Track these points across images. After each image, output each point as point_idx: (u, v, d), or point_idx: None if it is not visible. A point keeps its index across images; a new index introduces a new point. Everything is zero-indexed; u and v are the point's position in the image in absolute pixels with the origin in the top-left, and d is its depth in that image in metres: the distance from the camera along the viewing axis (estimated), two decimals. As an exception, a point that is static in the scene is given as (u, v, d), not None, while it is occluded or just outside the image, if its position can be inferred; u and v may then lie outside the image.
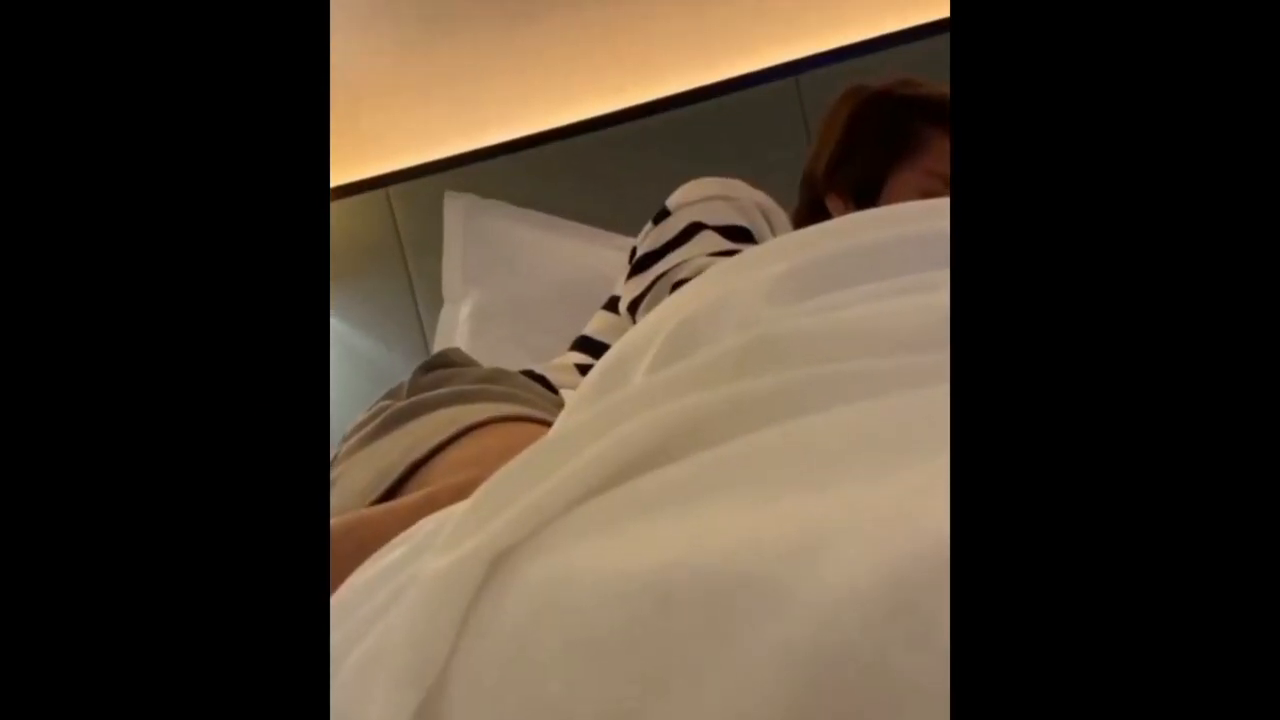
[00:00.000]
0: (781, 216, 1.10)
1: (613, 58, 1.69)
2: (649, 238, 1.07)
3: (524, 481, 0.29)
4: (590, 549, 0.24)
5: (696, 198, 1.07)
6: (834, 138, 1.14)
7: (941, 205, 0.57)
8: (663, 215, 1.08)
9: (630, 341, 0.53)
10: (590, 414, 0.32)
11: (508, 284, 1.45)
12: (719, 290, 0.51)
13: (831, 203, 1.15)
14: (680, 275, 0.97)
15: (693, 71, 1.70)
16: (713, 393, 0.28)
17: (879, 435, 0.24)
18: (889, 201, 1.11)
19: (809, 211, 1.19)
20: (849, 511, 0.20)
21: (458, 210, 1.52)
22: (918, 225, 0.52)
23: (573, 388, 1.00)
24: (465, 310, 1.45)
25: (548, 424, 0.77)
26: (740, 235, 1.03)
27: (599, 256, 1.45)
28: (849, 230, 0.54)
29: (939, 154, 1.09)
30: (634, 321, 1.05)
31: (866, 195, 1.11)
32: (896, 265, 0.48)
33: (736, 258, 0.58)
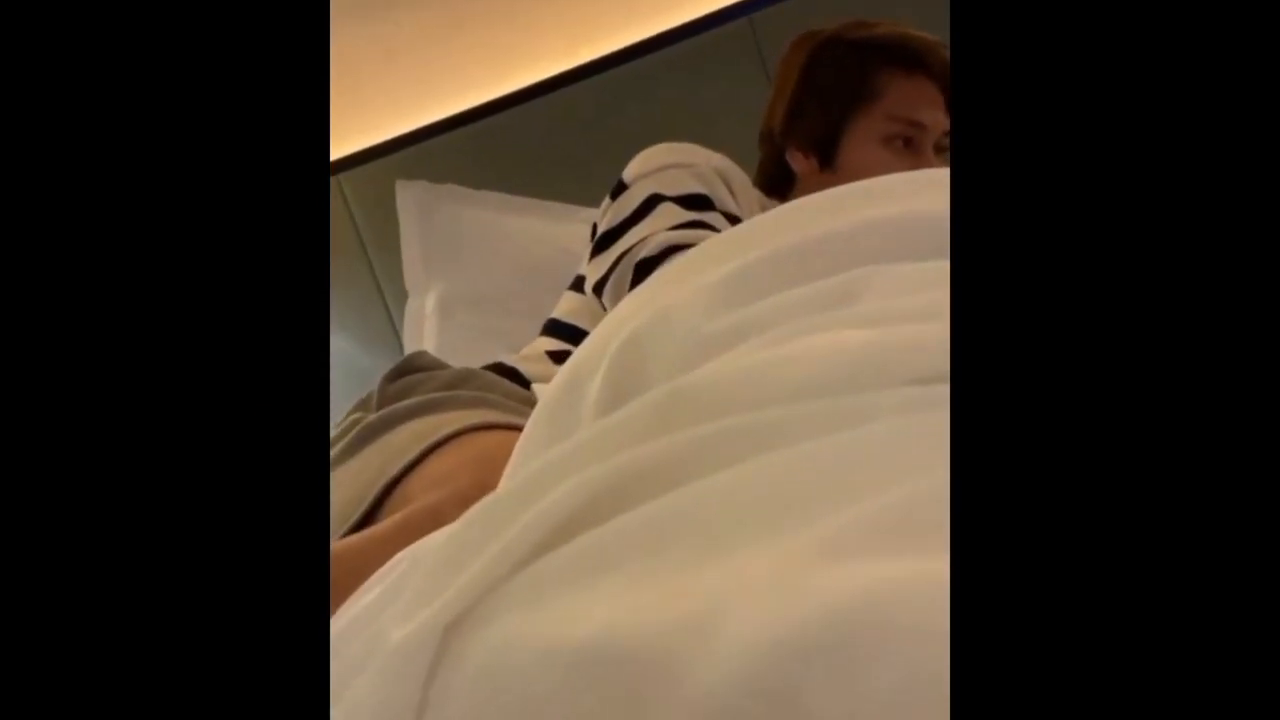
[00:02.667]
0: (740, 176, 1.13)
1: (556, 17, 1.70)
2: (608, 214, 1.10)
3: (471, 548, 0.33)
4: (521, 622, 0.28)
5: (653, 168, 1.10)
6: (788, 89, 1.17)
7: (877, 186, 0.61)
8: (620, 189, 1.11)
9: (583, 359, 0.57)
10: (530, 473, 0.36)
11: (470, 271, 1.47)
12: (661, 302, 0.55)
13: (792, 157, 1.18)
14: (642, 254, 1.00)
15: (642, 22, 1.71)
16: (631, 454, 0.32)
17: (775, 494, 0.28)
18: (850, 152, 1.14)
19: (771, 167, 1.22)
20: (738, 582, 0.24)
21: (410, 199, 1.54)
22: (852, 216, 0.55)
23: (546, 379, 1.04)
24: (430, 303, 1.49)
25: (517, 428, 0.81)
26: (700, 203, 1.06)
27: (562, 232, 1.47)
28: (786, 225, 0.57)
29: (896, 96, 1.12)
30: (600, 303, 1.08)
31: (826, 147, 1.14)
32: (829, 264, 0.52)
33: (680, 260, 0.61)
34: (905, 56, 1.11)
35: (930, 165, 1.13)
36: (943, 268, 0.47)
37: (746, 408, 0.32)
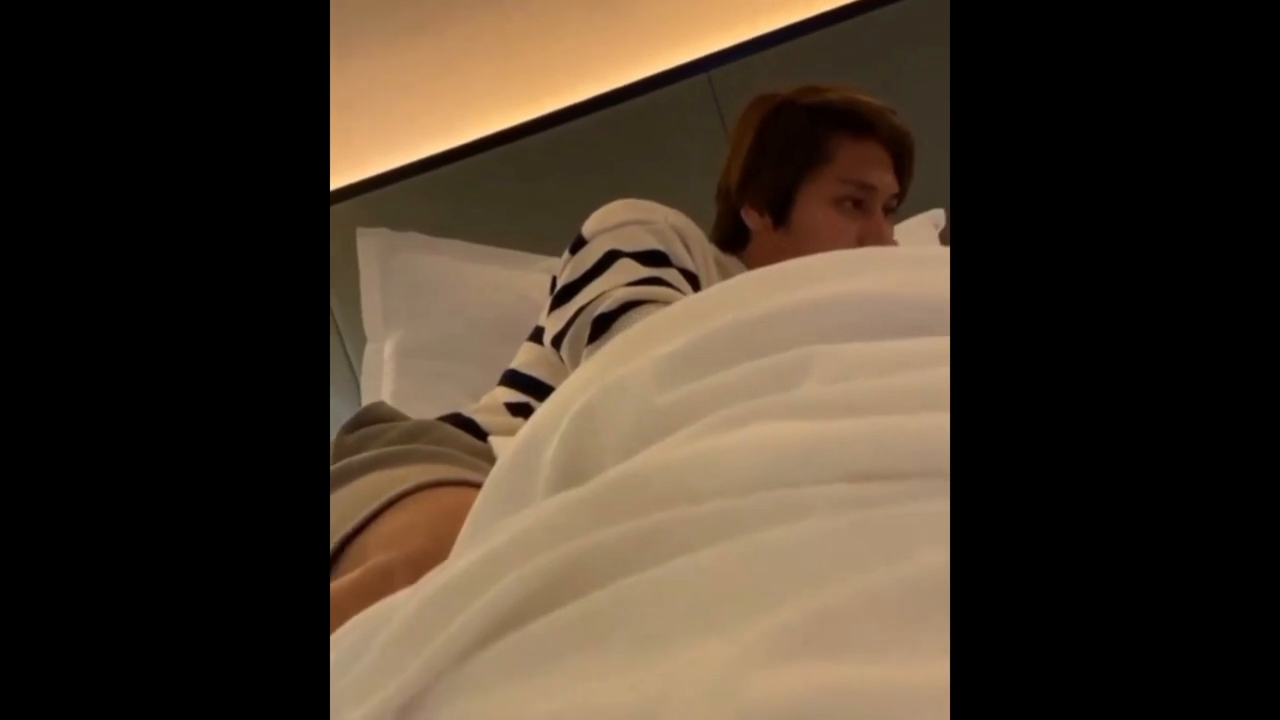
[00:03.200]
0: (695, 232, 1.15)
1: (517, 68, 1.73)
2: (567, 268, 1.11)
3: (423, 632, 0.35)
4: (471, 711, 0.30)
5: (612, 224, 1.12)
6: (743, 150, 1.20)
7: (829, 263, 0.63)
8: (579, 244, 1.12)
9: (538, 425, 0.58)
10: (481, 556, 0.37)
11: (430, 319, 1.48)
12: (615, 372, 0.56)
13: (747, 215, 1.21)
14: (600, 309, 1.02)
15: (604, 75, 1.74)
16: (577, 543, 0.33)
17: (714, 589, 0.29)
18: (802, 212, 1.16)
19: (727, 223, 1.25)
20: (680, 680, 0.26)
21: (371, 247, 1.55)
22: (801, 292, 0.57)
23: (504, 430, 1.05)
24: (389, 348, 1.49)
25: (474, 484, 0.82)
26: (657, 260, 1.08)
27: (522, 280, 1.49)
28: (737, 299, 0.59)
29: (847, 160, 1.15)
30: (559, 356, 1.10)
31: (780, 206, 1.17)
32: (776, 341, 0.53)
33: (635, 331, 0.63)
34: (855, 121, 1.15)
35: (879, 226, 1.16)
36: (888, 349, 0.49)
37: (687, 500, 0.34)
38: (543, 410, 0.60)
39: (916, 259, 0.61)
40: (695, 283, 1.09)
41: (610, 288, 1.04)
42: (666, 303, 1.00)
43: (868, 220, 1.16)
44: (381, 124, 1.71)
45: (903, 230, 1.70)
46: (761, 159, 1.18)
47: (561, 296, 1.10)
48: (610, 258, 1.08)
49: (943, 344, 0.49)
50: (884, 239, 1.16)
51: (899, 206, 1.23)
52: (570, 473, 0.51)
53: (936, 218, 2.04)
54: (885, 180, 1.16)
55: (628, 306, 1.00)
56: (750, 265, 1.22)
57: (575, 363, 1.04)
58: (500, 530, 0.41)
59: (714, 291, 0.64)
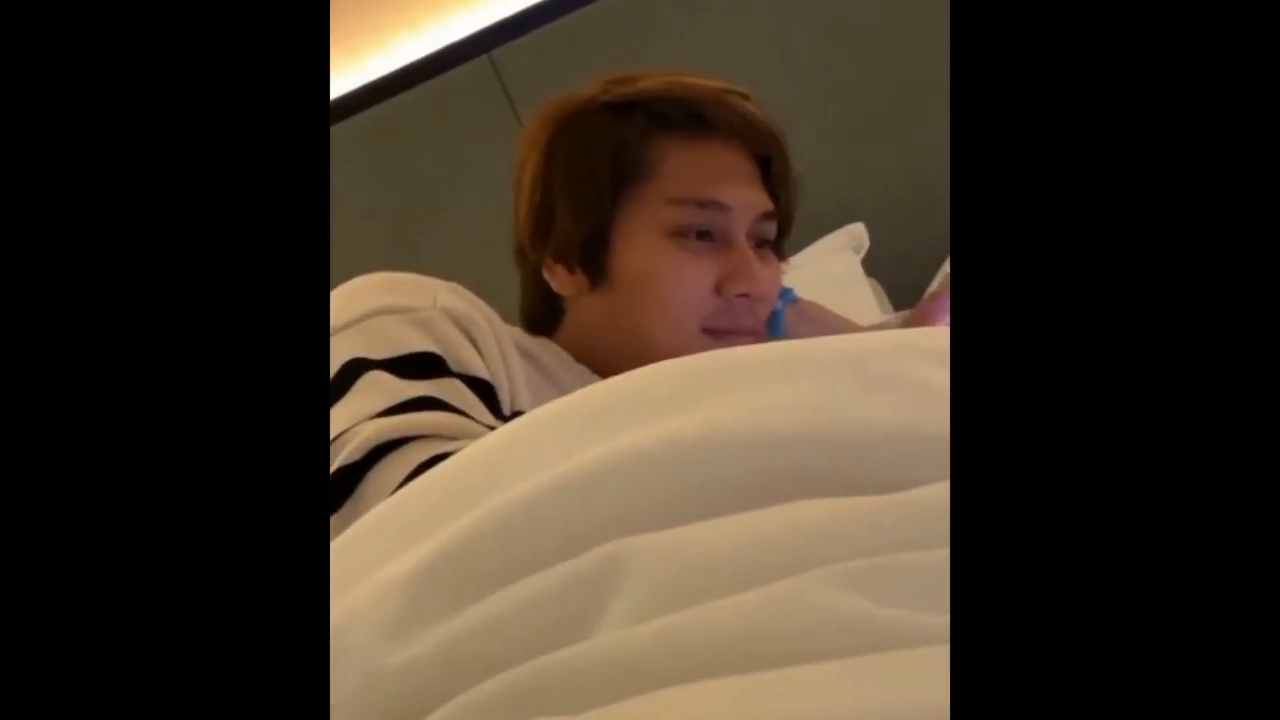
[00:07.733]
0: (483, 314, 1.06)
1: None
2: (290, 395, 1.03)
3: None
4: None
5: (350, 317, 1.03)
6: (534, 184, 1.15)
7: (646, 385, 0.58)
8: (304, 355, 1.04)
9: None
10: None
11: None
12: (334, 611, 0.50)
13: (552, 275, 1.15)
14: (338, 461, 0.93)
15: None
16: None
17: None
18: (624, 258, 1.10)
19: (536, 294, 1.19)
20: None
21: None
22: (607, 441, 0.53)
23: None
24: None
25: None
26: (425, 367, 0.99)
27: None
28: (521, 458, 0.55)
29: (675, 171, 1.11)
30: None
31: (592, 255, 1.11)
32: (570, 531, 0.49)
33: (366, 525, 0.57)
34: (681, 115, 1.11)
35: (745, 263, 1.10)
36: (732, 536, 0.46)
37: None
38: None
39: (793, 360, 0.56)
40: (489, 394, 1.02)
41: (354, 423, 0.95)
42: (445, 438, 0.92)
43: (729, 254, 1.10)
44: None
45: (806, 259, 1.70)
46: (556, 189, 1.13)
47: (286, 441, 1.01)
48: (352, 372, 0.99)
49: (826, 509, 0.46)
50: (756, 280, 1.11)
51: (786, 229, 1.19)
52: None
53: (856, 235, 2.04)
54: (743, 194, 1.11)
55: (382, 451, 0.92)
56: (569, 349, 1.16)
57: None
58: None
59: (492, 444, 0.58)
